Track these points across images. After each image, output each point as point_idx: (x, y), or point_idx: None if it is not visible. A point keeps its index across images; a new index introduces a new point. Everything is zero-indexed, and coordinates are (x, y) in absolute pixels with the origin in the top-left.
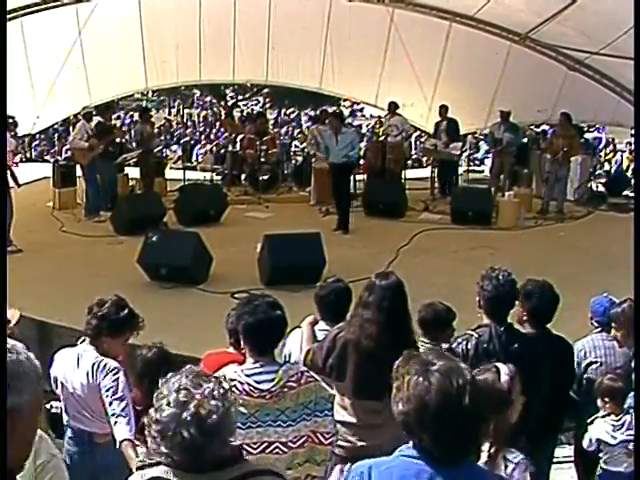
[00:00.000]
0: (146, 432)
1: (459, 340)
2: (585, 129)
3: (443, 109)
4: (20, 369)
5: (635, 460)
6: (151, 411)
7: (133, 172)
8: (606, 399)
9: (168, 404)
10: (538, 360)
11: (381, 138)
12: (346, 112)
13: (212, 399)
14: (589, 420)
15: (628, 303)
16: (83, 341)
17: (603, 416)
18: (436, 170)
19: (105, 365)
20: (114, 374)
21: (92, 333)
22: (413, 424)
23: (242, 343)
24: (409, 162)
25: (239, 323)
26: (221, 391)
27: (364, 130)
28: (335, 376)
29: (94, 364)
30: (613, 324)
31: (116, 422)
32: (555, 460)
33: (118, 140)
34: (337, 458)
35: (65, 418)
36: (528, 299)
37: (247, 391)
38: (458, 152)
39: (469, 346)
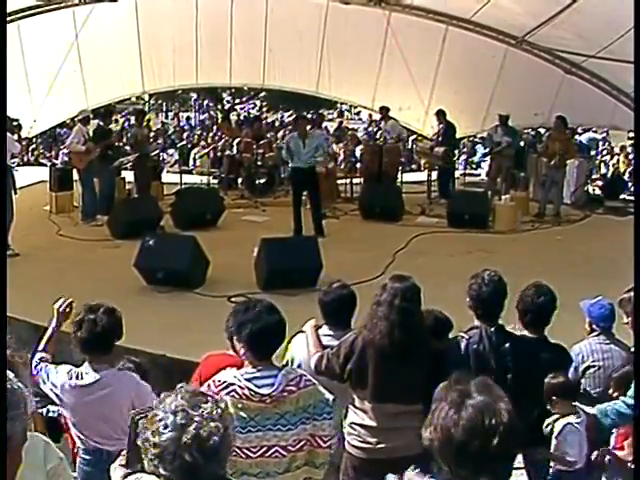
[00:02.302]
0: (142, 454)
1: (452, 342)
2: (580, 132)
3: (441, 114)
4: (14, 397)
5: (635, 459)
6: (147, 434)
7: (130, 176)
8: (553, 398)
9: (165, 427)
10: (529, 361)
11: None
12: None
13: (211, 421)
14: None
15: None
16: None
17: (556, 420)
18: (433, 173)
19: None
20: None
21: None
22: (437, 454)
23: (242, 350)
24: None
25: (242, 331)
26: (219, 411)
27: (360, 134)
28: (355, 382)
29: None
30: (625, 315)
31: None
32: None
33: (115, 144)
34: (353, 458)
35: (81, 440)
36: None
37: (247, 395)
38: (440, 155)
39: (459, 347)
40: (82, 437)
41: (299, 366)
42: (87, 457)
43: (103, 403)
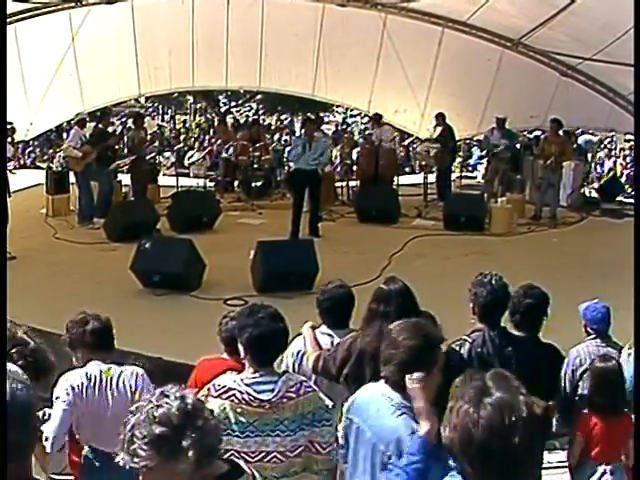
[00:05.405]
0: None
1: (453, 345)
2: (577, 134)
3: (440, 117)
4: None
5: (635, 459)
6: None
7: (126, 179)
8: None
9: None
10: (532, 363)
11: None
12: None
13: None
14: None
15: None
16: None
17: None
18: (430, 176)
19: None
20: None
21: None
22: (457, 453)
23: (242, 353)
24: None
25: (241, 335)
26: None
27: (356, 136)
28: (353, 385)
29: (135, 377)
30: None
31: None
32: (550, 465)
33: (115, 146)
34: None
35: (88, 446)
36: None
37: (246, 400)
38: (432, 156)
39: (462, 351)
40: (93, 442)
41: (296, 372)
42: (96, 463)
43: (111, 400)
